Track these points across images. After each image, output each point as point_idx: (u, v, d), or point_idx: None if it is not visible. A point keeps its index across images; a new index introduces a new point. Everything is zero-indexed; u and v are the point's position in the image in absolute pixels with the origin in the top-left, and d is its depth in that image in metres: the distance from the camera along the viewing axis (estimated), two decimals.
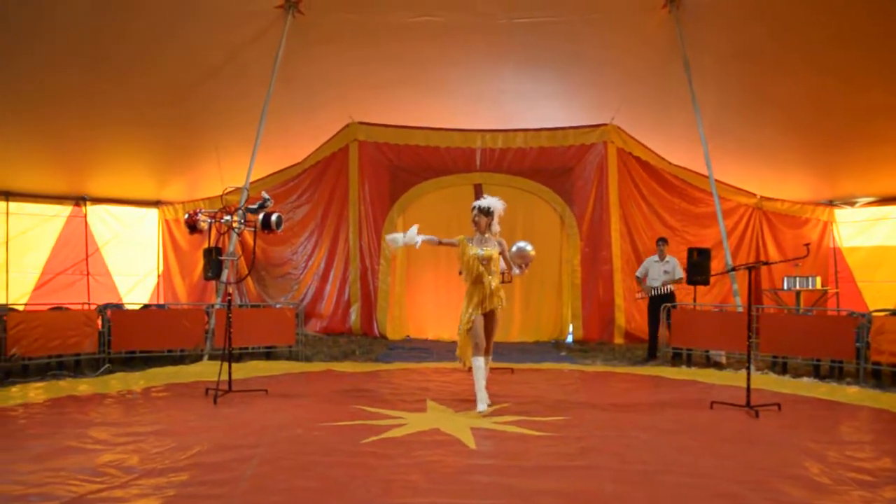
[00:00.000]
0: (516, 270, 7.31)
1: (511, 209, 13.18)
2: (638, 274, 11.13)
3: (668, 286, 10.66)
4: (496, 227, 7.05)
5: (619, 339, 12.69)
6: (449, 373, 9.32)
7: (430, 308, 13.54)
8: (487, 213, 7.00)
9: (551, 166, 13.33)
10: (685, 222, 13.25)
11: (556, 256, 13.51)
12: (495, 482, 4.42)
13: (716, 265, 11.43)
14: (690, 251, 10.43)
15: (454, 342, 12.45)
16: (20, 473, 4.48)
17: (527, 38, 10.99)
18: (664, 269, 10.72)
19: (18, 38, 9.60)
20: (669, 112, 12.04)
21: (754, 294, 7.40)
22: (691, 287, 11.09)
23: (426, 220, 13.26)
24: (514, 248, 7.69)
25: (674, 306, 10.52)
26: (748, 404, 6.67)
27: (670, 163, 13.19)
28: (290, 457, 4.98)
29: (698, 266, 10.28)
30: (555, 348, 12.15)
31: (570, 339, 13.05)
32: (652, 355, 10.67)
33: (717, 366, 9.95)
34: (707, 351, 10.29)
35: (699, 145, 10.77)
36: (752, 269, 7.17)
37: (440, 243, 7.12)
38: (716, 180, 11.07)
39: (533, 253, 7.83)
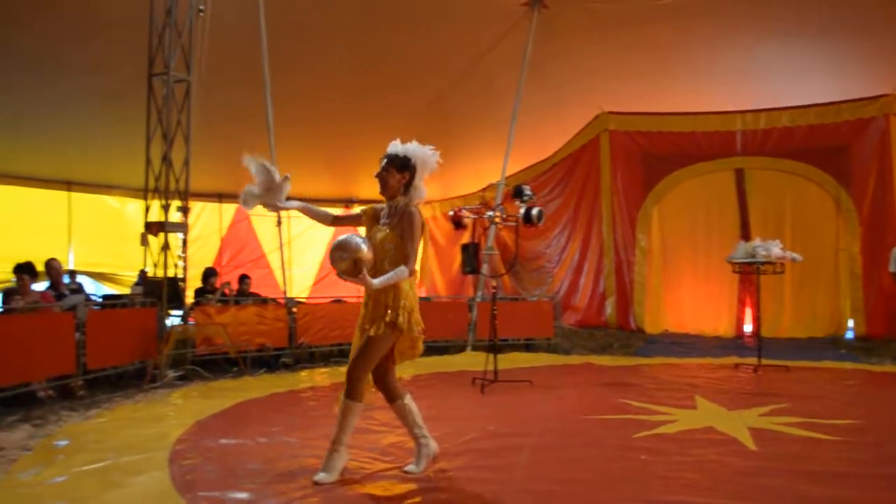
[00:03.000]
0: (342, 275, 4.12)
1: (778, 195, 12.47)
2: (892, 269, 9.79)
3: None
4: (422, 192, 4.47)
5: None
6: (716, 369, 8.86)
7: (688, 300, 12.93)
8: (401, 165, 4.38)
9: (822, 145, 12.12)
10: None
11: (830, 244, 12.25)
12: (782, 486, 4.12)
13: None
14: None
15: (717, 337, 12.06)
16: (319, 449, 4.91)
17: (790, 7, 10.15)
18: None
19: (299, 62, 10.68)
20: None
21: None
22: None
23: (684, 209, 12.86)
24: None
25: None
26: None
27: None
28: (560, 448, 5.04)
29: None
30: (832, 345, 11.09)
31: (849, 334, 11.79)
32: None
33: None
34: None
35: None
36: None
37: (313, 213, 4.61)
38: None
39: (364, 254, 4.12)
